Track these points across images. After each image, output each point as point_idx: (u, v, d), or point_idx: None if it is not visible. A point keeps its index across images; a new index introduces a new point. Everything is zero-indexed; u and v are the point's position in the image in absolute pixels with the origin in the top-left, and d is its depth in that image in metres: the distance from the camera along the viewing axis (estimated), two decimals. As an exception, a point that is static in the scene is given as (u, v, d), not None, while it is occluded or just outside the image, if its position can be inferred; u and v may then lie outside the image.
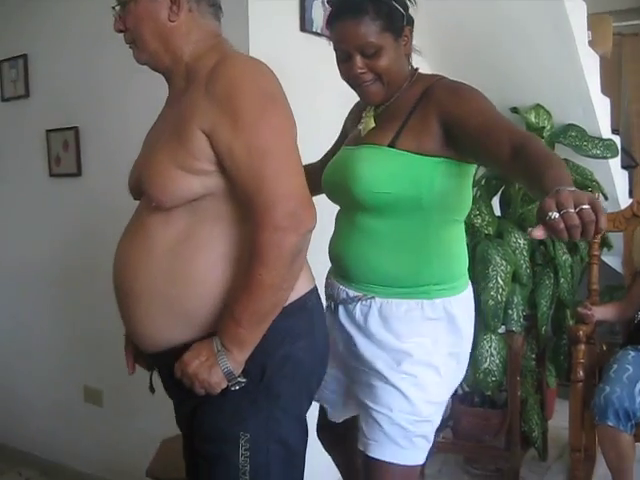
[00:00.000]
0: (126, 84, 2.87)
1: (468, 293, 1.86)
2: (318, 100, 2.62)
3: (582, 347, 2.95)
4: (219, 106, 1.41)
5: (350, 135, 1.94)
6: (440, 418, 1.81)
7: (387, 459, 1.73)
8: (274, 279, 1.39)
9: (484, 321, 3.09)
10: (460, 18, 3.37)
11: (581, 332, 2.95)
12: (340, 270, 1.87)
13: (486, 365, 3.13)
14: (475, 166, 1.81)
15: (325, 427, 2.10)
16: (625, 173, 4.15)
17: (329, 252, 1.90)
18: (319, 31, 2.80)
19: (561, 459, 3.47)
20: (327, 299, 1.90)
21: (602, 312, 3.13)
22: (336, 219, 1.91)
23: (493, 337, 3.15)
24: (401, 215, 1.73)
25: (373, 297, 1.78)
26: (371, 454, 1.75)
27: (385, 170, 1.71)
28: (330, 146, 2.12)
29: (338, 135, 2.11)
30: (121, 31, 1.58)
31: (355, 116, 1.97)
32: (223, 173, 1.44)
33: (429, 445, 1.79)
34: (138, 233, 1.55)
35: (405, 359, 1.74)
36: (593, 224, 1.12)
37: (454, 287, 1.80)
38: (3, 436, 3.67)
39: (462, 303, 1.82)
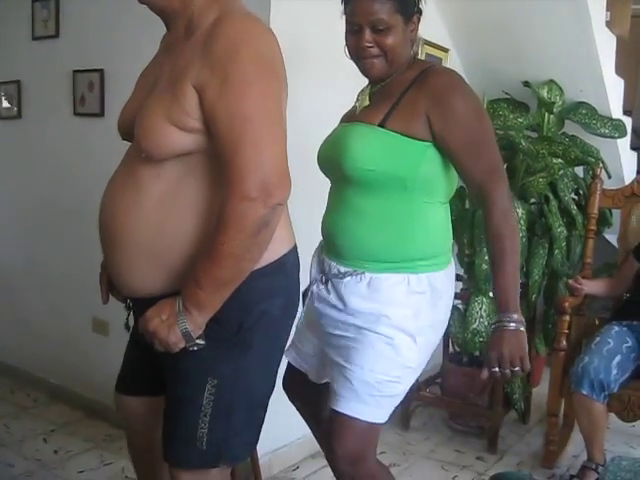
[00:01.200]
0: (152, 32, 2.99)
1: (450, 269, 1.93)
2: (339, 70, 2.59)
3: (567, 318, 3.13)
4: (212, 65, 1.41)
5: (348, 112, 2.04)
6: (411, 382, 1.88)
7: (350, 413, 1.79)
8: (235, 249, 1.39)
9: (476, 284, 3.32)
10: None
11: (567, 303, 3.14)
12: (331, 247, 1.93)
13: (475, 326, 3.33)
14: None
15: (289, 379, 2.18)
16: (634, 154, 4.27)
17: (321, 228, 1.97)
18: None
19: (541, 423, 3.63)
20: (319, 273, 1.97)
21: (592, 286, 3.31)
22: (328, 196, 1.98)
23: (484, 300, 3.34)
24: (386, 193, 1.79)
25: (363, 272, 1.84)
26: (336, 407, 1.82)
27: (373, 148, 1.79)
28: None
29: None
30: None
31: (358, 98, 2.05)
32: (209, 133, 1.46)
33: (393, 407, 1.87)
34: (128, 183, 1.56)
35: (383, 321, 1.81)
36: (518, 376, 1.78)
37: (438, 263, 1.87)
38: (16, 359, 3.90)
39: (445, 278, 1.89)
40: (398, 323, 1.80)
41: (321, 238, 2.01)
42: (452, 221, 3.02)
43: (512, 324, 1.73)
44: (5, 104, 3.79)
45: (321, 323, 1.94)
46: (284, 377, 2.18)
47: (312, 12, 2.86)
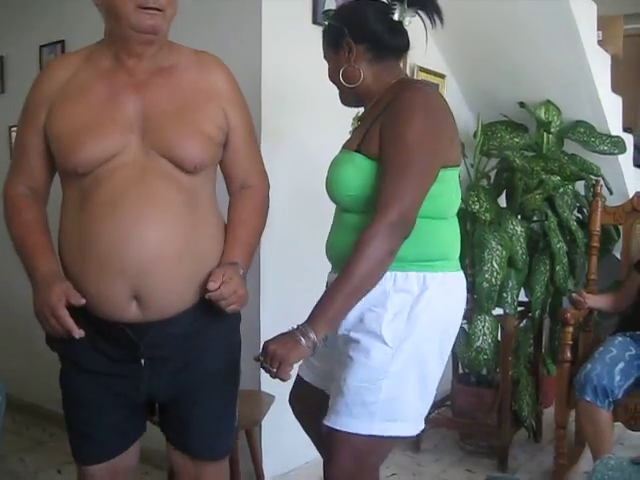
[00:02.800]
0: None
1: (449, 276, 1.88)
2: (332, 93, 2.63)
3: (570, 329, 3.19)
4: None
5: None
6: (395, 390, 1.80)
7: (338, 427, 1.79)
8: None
9: (479, 302, 3.39)
10: (470, 16, 3.61)
11: (569, 314, 3.19)
12: (331, 261, 1.98)
13: (479, 343, 3.41)
14: (455, 170, 1.88)
15: (296, 395, 2.19)
16: (638, 171, 4.38)
17: (325, 250, 2.00)
18: (332, 24, 3.08)
19: (553, 442, 3.52)
20: None
21: (596, 301, 3.37)
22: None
23: (487, 318, 3.42)
24: (369, 213, 1.76)
25: None
26: (327, 423, 1.82)
27: (350, 174, 1.84)
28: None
29: None
30: None
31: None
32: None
33: (376, 416, 1.79)
34: (161, 199, 1.67)
35: (357, 326, 1.81)
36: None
37: (431, 265, 1.83)
38: (32, 396, 3.99)
39: (438, 281, 1.82)
40: (370, 325, 1.79)
41: None
42: None
43: (302, 338, 1.66)
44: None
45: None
46: (292, 391, 2.20)
47: (304, 28, 2.99)
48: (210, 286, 1.66)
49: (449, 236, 1.91)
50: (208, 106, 1.75)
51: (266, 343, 1.67)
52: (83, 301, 1.63)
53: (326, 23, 1.98)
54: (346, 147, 1.92)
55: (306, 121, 3.05)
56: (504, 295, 3.47)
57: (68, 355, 1.79)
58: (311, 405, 2.08)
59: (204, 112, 1.74)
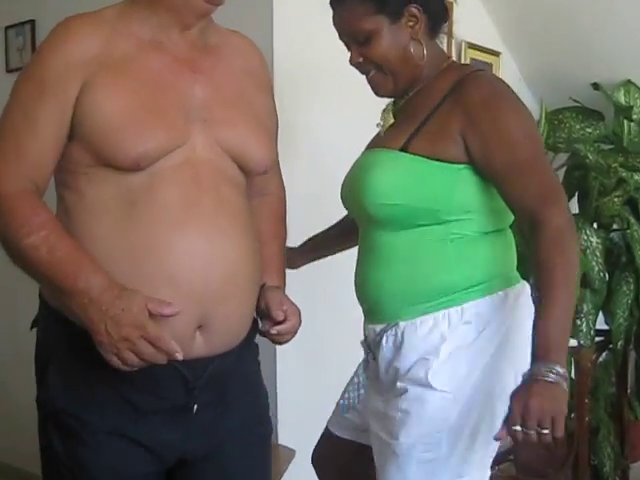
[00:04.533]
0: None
1: (517, 290, 1.78)
2: (348, 90, 2.56)
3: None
4: None
5: (375, 136, 1.95)
6: (458, 445, 1.71)
7: None
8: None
9: None
10: None
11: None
12: (366, 306, 1.85)
13: None
14: None
15: (324, 454, 2.09)
16: None
17: (355, 292, 1.89)
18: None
19: None
20: (365, 349, 1.91)
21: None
22: (358, 244, 1.92)
23: None
24: (414, 229, 1.72)
25: (397, 323, 1.74)
26: None
27: (395, 178, 1.71)
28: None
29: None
30: None
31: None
32: None
33: (437, 473, 1.71)
34: (228, 219, 1.56)
35: (408, 375, 1.72)
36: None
37: (490, 286, 1.72)
38: (10, 458, 3.81)
39: (501, 303, 1.73)
40: (417, 372, 1.69)
41: None
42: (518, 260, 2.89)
43: (551, 375, 1.49)
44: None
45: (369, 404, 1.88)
46: (318, 449, 2.10)
47: (318, 25, 2.77)
48: (278, 316, 1.61)
49: (506, 249, 1.81)
50: (259, 97, 1.69)
51: (520, 403, 1.49)
52: (176, 309, 1.43)
53: None
54: (380, 145, 1.81)
55: (326, 112, 2.87)
56: (578, 322, 3.13)
57: (84, 411, 1.52)
58: (346, 462, 2.02)
59: (259, 104, 1.68)
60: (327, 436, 2.05)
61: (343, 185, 1.89)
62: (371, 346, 1.83)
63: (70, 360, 1.50)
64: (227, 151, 1.57)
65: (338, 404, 2.02)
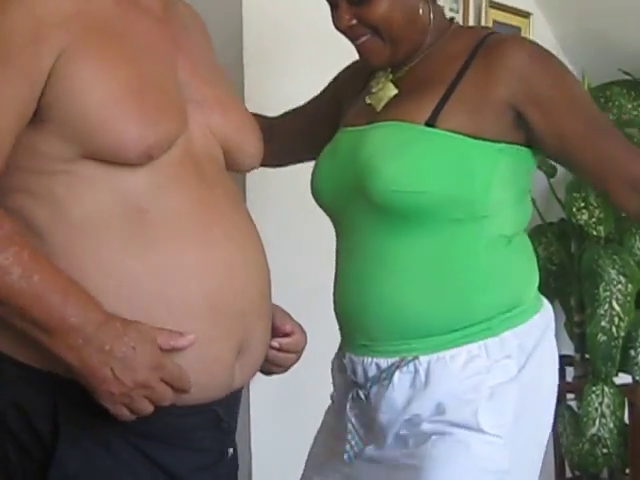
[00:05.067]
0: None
1: (545, 314, 1.69)
2: (322, 57, 2.47)
3: None
4: None
5: (351, 111, 1.75)
6: None
7: None
8: None
9: (592, 366, 2.96)
10: None
11: None
12: (357, 334, 1.65)
13: (594, 431, 2.89)
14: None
15: None
16: None
17: (335, 311, 1.69)
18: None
19: None
20: (341, 389, 1.71)
21: None
22: (337, 253, 1.71)
23: (606, 389, 2.90)
24: (442, 228, 1.55)
25: (416, 357, 1.55)
26: None
27: (420, 159, 1.54)
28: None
29: (315, 101, 1.92)
30: None
31: (355, 84, 1.81)
32: None
33: None
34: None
35: (434, 417, 1.57)
36: None
37: (525, 310, 1.62)
38: None
39: (539, 330, 1.64)
40: (457, 415, 1.56)
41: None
42: (551, 273, 2.96)
43: None
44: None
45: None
46: None
47: None
48: (284, 326, 1.51)
49: (531, 255, 1.74)
50: (224, 77, 1.58)
51: None
52: (193, 338, 1.28)
53: None
54: (390, 119, 1.62)
55: (300, 82, 2.55)
56: (632, 353, 2.94)
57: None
58: None
59: (229, 84, 1.58)
60: None
61: (322, 170, 1.70)
62: (363, 384, 1.65)
63: (79, 427, 1.26)
64: (222, 140, 1.42)
65: (334, 453, 1.77)
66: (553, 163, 2.82)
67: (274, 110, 2.43)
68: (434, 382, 1.56)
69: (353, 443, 1.69)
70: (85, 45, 1.31)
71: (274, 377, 1.82)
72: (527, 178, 1.66)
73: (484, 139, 1.54)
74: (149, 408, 1.21)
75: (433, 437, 1.57)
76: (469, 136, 1.55)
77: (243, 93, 2.45)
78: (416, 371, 1.57)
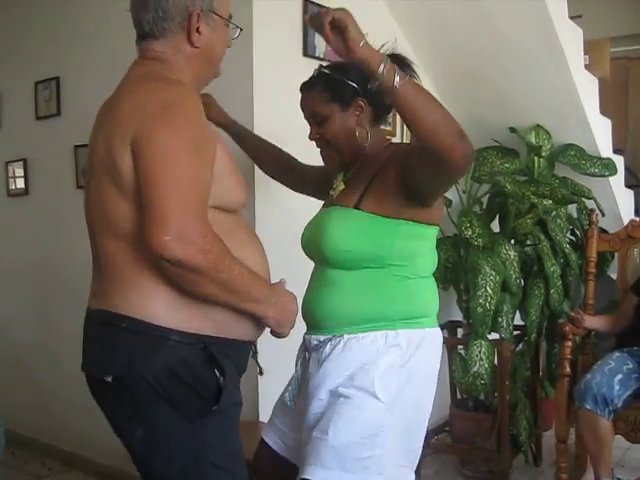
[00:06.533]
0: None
1: (433, 331, 1.97)
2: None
3: (569, 343, 3.34)
4: None
5: (327, 199, 2.13)
6: (387, 446, 1.84)
7: (311, 478, 1.80)
8: None
9: (474, 327, 3.49)
10: (457, 40, 3.75)
11: (567, 327, 3.35)
12: (312, 322, 2.00)
13: (475, 369, 3.47)
14: (437, 229, 1.97)
15: (263, 466, 2.15)
16: (630, 192, 4.49)
17: (301, 310, 1.95)
18: (321, 56, 3.16)
19: (554, 466, 3.59)
20: (302, 352, 2.05)
21: (593, 321, 3.52)
22: (310, 276, 2.05)
23: (483, 343, 3.48)
24: (364, 269, 1.88)
25: (342, 335, 1.89)
26: (313, 478, 1.81)
27: (349, 230, 1.88)
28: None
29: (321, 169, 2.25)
30: None
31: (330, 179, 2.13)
32: None
33: (367, 471, 1.81)
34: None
35: (347, 382, 1.85)
36: None
37: (419, 322, 1.92)
38: (30, 430, 4.05)
39: (425, 336, 1.92)
40: (361, 381, 1.83)
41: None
42: (448, 269, 3.34)
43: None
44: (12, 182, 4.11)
45: (305, 405, 1.96)
46: (256, 460, 2.16)
47: (295, 60, 3.07)
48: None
49: (432, 293, 2.01)
50: None
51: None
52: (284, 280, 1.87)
53: (326, 75, 1.98)
54: (336, 204, 1.97)
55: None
56: (499, 320, 3.56)
57: (238, 395, 1.79)
58: (279, 470, 2.10)
59: None
60: (263, 449, 2.14)
61: (304, 234, 2.05)
62: (309, 349, 1.98)
63: (224, 365, 1.65)
64: None
65: (277, 406, 2.14)
66: (449, 197, 3.43)
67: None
68: (348, 350, 1.87)
69: (291, 389, 2.06)
70: (214, 136, 1.69)
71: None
72: (424, 245, 1.92)
73: (387, 217, 1.85)
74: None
75: (341, 399, 1.83)
76: (377, 215, 1.85)
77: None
78: (339, 343, 1.89)
